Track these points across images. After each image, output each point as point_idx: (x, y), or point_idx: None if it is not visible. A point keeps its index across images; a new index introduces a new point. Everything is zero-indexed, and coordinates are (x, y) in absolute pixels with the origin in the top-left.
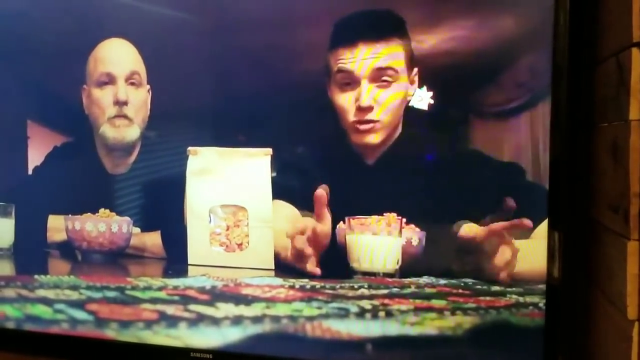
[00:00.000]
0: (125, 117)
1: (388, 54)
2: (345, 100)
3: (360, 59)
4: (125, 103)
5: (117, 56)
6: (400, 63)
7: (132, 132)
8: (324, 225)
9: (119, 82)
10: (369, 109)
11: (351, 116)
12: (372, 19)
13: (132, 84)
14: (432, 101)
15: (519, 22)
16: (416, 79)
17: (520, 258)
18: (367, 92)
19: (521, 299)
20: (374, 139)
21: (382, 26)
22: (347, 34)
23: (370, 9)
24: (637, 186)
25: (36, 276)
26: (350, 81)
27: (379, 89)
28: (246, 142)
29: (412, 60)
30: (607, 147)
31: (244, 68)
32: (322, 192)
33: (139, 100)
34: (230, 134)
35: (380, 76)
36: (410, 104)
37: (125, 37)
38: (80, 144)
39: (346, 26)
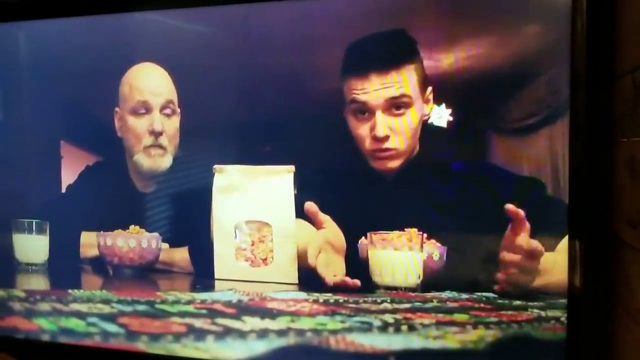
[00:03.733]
0: (160, 146)
1: (400, 81)
2: (361, 129)
3: (373, 89)
4: (160, 133)
5: (153, 84)
6: (413, 88)
7: (165, 161)
8: (329, 229)
9: (155, 112)
10: (386, 138)
11: (368, 144)
12: (383, 43)
13: (167, 114)
14: (451, 118)
15: (536, 38)
16: (431, 97)
17: (543, 268)
18: (382, 123)
19: (543, 313)
20: (392, 164)
21: (393, 52)
22: (358, 64)
23: (380, 32)
24: None
25: (70, 290)
26: (365, 111)
27: (394, 117)
28: (270, 159)
29: (426, 80)
30: (626, 163)
31: (268, 88)
32: (309, 204)
33: (173, 128)
34: (255, 152)
35: (394, 105)
36: (429, 122)
37: (156, 62)
38: (111, 163)
39: (357, 53)
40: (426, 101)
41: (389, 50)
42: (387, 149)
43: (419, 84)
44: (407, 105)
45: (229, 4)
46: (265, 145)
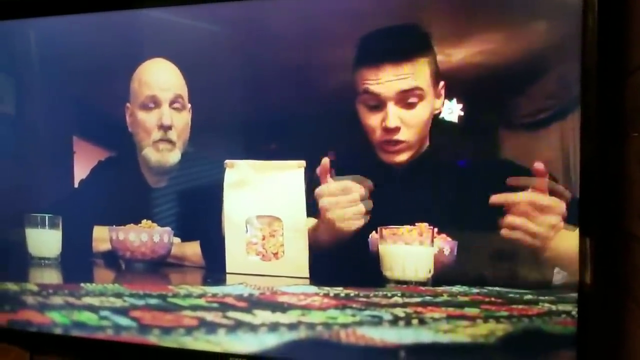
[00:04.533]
0: (169, 141)
1: (414, 74)
2: (372, 120)
3: (385, 80)
4: (169, 128)
5: (162, 79)
6: (426, 81)
7: (174, 156)
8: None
9: (164, 106)
10: (396, 129)
11: (378, 135)
12: (396, 36)
13: (176, 108)
14: (462, 113)
15: (547, 33)
16: (443, 92)
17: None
18: (394, 114)
19: (553, 307)
20: (401, 157)
21: (407, 45)
22: (371, 54)
23: (394, 25)
24: None
25: (82, 284)
26: (377, 102)
27: (406, 109)
28: (281, 154)
29: (438, 75)
30: (637, 158)
31: (278, 83)
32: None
33: (182, 123)
34: (266, 147)
35: (406, 97)
36: (440, 116)
37: (167, 58)
38: (123, 158)
39: (371, 45)
40: (438, 95)
41: (404, 42)
42: (398, 141)
43: (431, 77)
44: (420, 98)
45: (238, 0)
46: (276, 140)
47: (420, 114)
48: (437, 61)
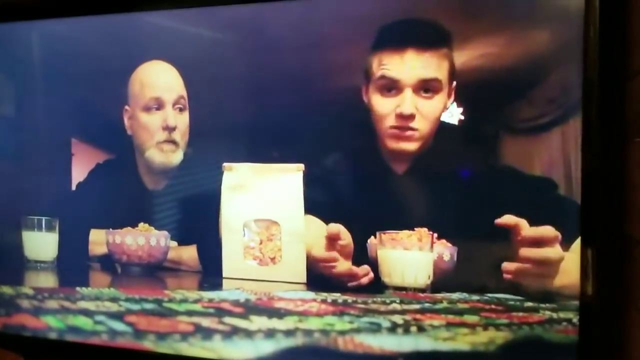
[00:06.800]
0: (173, 142)
1: (435, 64)
2: (385, 106)
3: (407, 67)
4: (174, 129)
5: (164, 81)
6: (444, 75)
7: (177, 157)
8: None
9: (167, 107)
10: (411, 117)
11: (390, 122)
12: (420, 26)
13: (179, 109)
14: (462, 117)
15: (549, 38)
16: (454, 92)
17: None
18: (410, 101)
19: (555, 315)
20: (410, 146)
21: (432, 35)
22: (395, 39)
23: (417, 18)
24: None
25: (78, 288)
26: (394, 88)
27: (423, 99)
28: (279, 157)
29: (454, 72)
30: (639, 163)
31: (277, 85)
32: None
33: (185, 124)
34: (264, 150)
35: (425, 87)
36: (442, 119)
37: (166, 60)
38: (121, 161)
39: (394, 31)
40: (449, 95)
41: (427, 33)
42: (409, 128)
43: (448, 73)
44: (436, 91)
45: (237, 4)
46: (274, 143)
47: (434, 106)
48: (454, 60)
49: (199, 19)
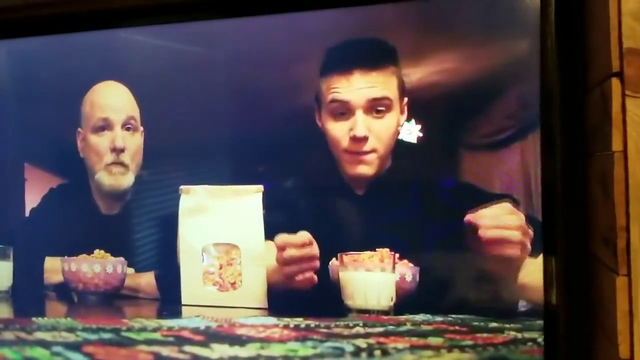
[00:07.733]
0: (121, 164)
1: (383, 82)
2: (338, 130)
3: (356, 88)
4: (122, 150)
5: (113, 101)
6: (393, 92)
7: (127, 180)
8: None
9: (116, 128)
10: (365, 139)
11: (344, 146)
12: (365, 46)
13: (128, 129)
14: (420, 134)
15: (506, 52)
16: (406, 109)
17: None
18: (363, 122)
19: (519, 335)
20: (368, 170)
21: (377, 54)
22: (341, 62)
23: (362, 37)
24: (623, 219)
25: (34, 319)
26: (345, 111)
27: (374, 119)
28: (238, 179)
29: (403, 89)
30: (598, 178)
31: (234, 105)
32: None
33: (135, 145)
34: (222, 171)
35: (375, 106)
36: (400, 137)
37: (119, 80)
38: (75, 185)
39: (340, 53)
40: (402, 111)
41: (373, 52)
42: (365, 152)
43: (398, 90)
44: (388, 109)
45: (191, 21)
46: (233, 164)
47: (387, 125)
48: (402, 75)
49: (153, 38)
